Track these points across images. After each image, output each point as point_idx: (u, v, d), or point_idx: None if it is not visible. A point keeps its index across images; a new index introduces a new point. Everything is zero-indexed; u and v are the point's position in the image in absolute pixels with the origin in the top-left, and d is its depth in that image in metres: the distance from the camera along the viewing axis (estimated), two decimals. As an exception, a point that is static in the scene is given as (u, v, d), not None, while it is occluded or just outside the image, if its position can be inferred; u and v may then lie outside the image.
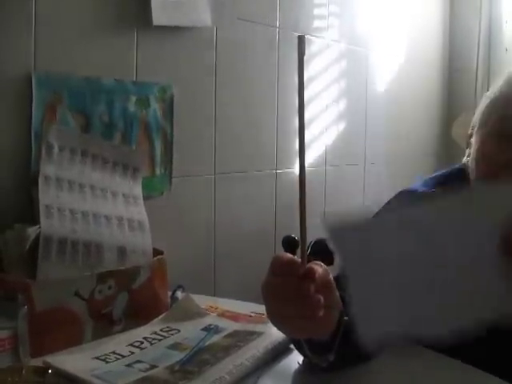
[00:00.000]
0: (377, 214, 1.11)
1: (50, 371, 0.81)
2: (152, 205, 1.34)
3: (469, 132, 1.15)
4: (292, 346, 0.98)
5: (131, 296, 1.11)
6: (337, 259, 0.67)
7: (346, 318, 0.79)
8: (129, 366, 0.91)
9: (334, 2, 2.09)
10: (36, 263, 1.02)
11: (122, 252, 1.14)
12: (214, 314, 1.15)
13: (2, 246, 1.04)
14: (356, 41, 2.23)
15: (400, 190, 1.16)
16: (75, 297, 1.02)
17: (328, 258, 1.46)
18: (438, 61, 2.87)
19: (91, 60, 1.29)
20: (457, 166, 1.19)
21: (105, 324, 1.07)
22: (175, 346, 0.99)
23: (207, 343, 0.99)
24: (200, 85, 1.58)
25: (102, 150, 1.23)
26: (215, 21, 1.54)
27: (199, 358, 0.92)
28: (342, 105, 2.17)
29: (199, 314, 1.14)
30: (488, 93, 1.12)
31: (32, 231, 1.03)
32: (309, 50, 1.93)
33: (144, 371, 0.89)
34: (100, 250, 1.11)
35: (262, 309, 1.14)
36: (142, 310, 1.12)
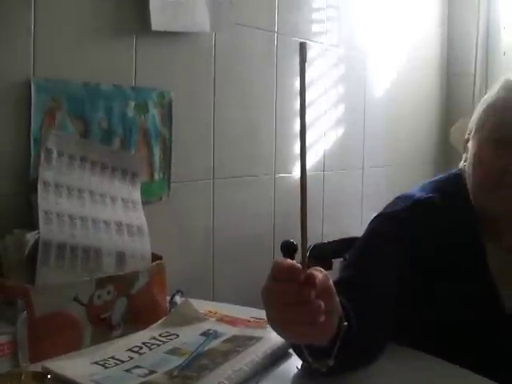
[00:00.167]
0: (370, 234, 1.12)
1: (49, 376, 0.81)
2: (151, 210, 1.34)
3: (465, 137, 1.15)
4: (291, 351, 0.98)
5: (130, 301, 1.11)
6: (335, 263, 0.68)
7: (345, 323, 0.79)
8: (128, 371, 0.91)
9: (332, 7, 2.09)
10: (35, 268, 1.02)
11: (120, 257, 1.14)
12: (213, 319, 1.15)
13: (1, 251, 1.04)
14: (354, 46, 2.23)
15: (397, 195, 1.16)
16: (74, 302, 1.02)
17: (326, 263, 1.47)
18: (436, 65, 2.87)
19: (90, 66, 1.29)
20: (454, 171, 1.19)
21: (104, 329, 1.07)
22: (174, 351, 0.99)
23: (206, 348, 0.99)
24: (198, 90, 1.58)
25: (101, 156, 1.23)
26: (214, 26, 1.55)
27: (198, 364, 0.92)
28: (341, 110, 2.18)
29: (198, 318, 1.14)
30: (485, 97, 1.13)
31: (31, 236, 1.03)
32: (307, 55, 1.93)
33: (143, 376, 0.89)
34: (99, 255, 1.11)
35: (260, 314, 1.14)
36: (140, 314, 1.12)
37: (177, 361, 0.94)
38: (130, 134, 1.36)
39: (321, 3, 2.03)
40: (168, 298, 1.24)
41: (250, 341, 1.01)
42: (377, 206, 1.18)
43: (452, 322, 1.06)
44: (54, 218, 1.08)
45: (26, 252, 1.02)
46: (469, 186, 1.12)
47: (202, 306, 1.21)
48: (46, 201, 1.09)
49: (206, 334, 1.06)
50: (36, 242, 1.03)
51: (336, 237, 1.49)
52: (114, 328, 1.09)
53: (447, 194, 1.13)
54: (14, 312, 0.88)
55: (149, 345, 1.02)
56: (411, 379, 0.92)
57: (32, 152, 1.17)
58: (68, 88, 1.24)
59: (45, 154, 1.13)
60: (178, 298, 1.26)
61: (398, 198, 1.15)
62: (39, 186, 1.10)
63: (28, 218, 1.10)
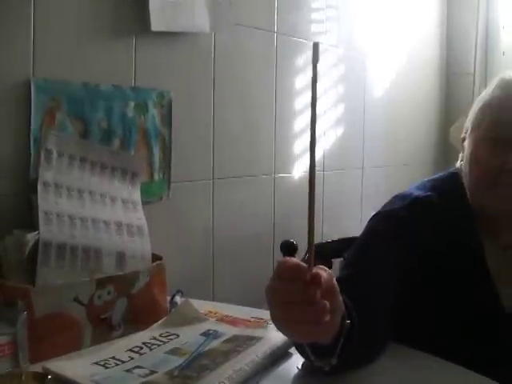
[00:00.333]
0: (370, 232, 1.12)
1: (49, 377, 0.81)
2: (151, 210, 1.34)
3: (462, 136, 1.16)
4: (292, 350, 0.98)
5: (130, 301, 1.11)
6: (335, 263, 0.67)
7: (348, 321, 0.79)
8: (128, 371, 0.91)
9: (332, 7, 2.09)
10: (35, 269, 1.02)
11: (120, 257, 1.14)
12: (213, 319, 1.15)
13: (1, 251, 1.04)
14: (354, 46, 2.23)
15: (395, 193, 1.17)
16: (74, 302, 1.02)
17: (326, 263, 1.47)
18: (435, 65, 2.87)
19: (90, 66, 1.29)
20: (451, 170, 1.20)
21: (104, 329, 1.07)
22: (174, 352, 0.99)
23: (206, 348, 0.99)
24: (198, 90, 1.58)
25: (101, 156, 1.23)
26: (213, 26, 1.55)
27: (198, 364, 0.92)
28: (340, 110, 2.18)
29: (198, 318, 1.14)
30: (481, 96, 1.13)
31: (31, 237, 1.03)
32: (306, 55, 1.93)
33: (143, 377, 0.89)
34: (99, 256, 1.11)
35: (261, 313, 1.15)
36: (141, 315, 1.12)
37: (177, 361, 0.94)
38: (129, 134, 1.36)
39: (320, 3, 2.03)
40: (168, 298, 1.24)
41: (250, 341, 1.01)
42: (376, 206, 1.18)
43: (451, 321, 1.06)
44: (54, 219, 1.08)
45: (26, 252, 1.02)
46: (466, 185, 1.12)
47: (202, 306, 1.21)
48: (45, 201, 1.09)
49: (206, 334, 1.06)
50: (36, 243, 1.03)
51: (336, 237, 1.50)
52: (114, 328, 1.09)
53: (445, 192, 1.13)
54: (14, 312, 0.88)
55: (149, 345, 1.02)
56: (411, 378, 0.92)
57: (32, 152, 1.17)
58: (68, 88, 1.24)
59: (45, 155, 1.13)
60: (178, 298, 1.26)
61: (396, 197, 1.15)
62: (39, 187, 1.10)
63: (28, 218, 1.10)
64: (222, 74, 1.64)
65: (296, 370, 0.94)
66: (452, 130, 2.72)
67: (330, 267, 1.57)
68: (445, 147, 2.83)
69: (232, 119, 1.69)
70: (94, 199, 1.18)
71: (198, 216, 1.61)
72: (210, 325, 1.11)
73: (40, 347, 0.94)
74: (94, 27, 1.30)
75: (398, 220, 1.09)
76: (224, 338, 1.04)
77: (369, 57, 2.33)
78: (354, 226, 1.14)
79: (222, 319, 1.16)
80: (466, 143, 1.13)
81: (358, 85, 2.30)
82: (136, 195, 1.28)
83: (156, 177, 1.45)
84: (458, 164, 1.17)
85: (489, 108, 1.09)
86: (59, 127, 1.22)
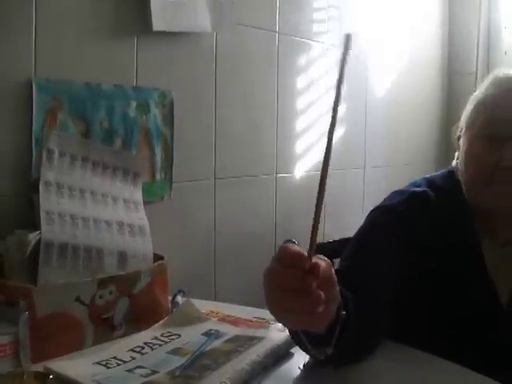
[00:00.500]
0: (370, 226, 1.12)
1: (51, 377, 0.81)
2: (152, 210, 1.34)
3: (457, 134, 1.16)
4: (294, 350, 0.98)
5: (132, 301, 1.11)
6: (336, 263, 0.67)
7: (343, 312, 0.79)
8: (130, 371, 0.91)
9: (334, 7, 2.09)
10: (37, 269, 1.02)
11: (122, 257, 1.14)
12: (215, 319, 1.15)
13: (2, 251, 1.04)
14: (355, 45, 2.22)
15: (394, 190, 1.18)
16: (76, 302, 1.02)
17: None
18: (437, 65, 2.87)
19: (91, 66, 1.29)
20: (448, 168, 1.20)
21: (106, 329, 1.07)
22: (176, 351, 0.99)
23: (208, 348, 0.99)
24: (200, 90, 1.58)
25: (103, 156, 1.23)
26: (215, 26, 1.55)
27: (200, 363, 0.92)
28: (342, 109, 2.17)
29: (200, 318, 1.14)
30: (475, 94, 1.14)
31: (33, 237, 1.03)
32: (308, 55, 1.93)
33: (145, 376, 0.89)
34: (101, 256, 1.11)
35: (263, 314, 1.15)
36: (142, 314, 1.12)
37: (179, 361, 0.94)
38: (131, 133, 1.36)
39: (322, 3, 2.03)
40: (170, 297, 1.24)
41: (251, 341, 1.01)
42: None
43: (449, 318, 1.06)
44: (56, 219, 1.08)
45: (28, 252, 1.02)
46: (462, 183, 1.12)
47: (203, 305, 1.21)
48: (47, 201, 1.09)
49: (207, 333, 1.06)
50: (38, 243, 1.03)
51: (337, 236, 1.50)
52: (115, 328, 1.09)
53: (442, 189, 1.14)
54: (15, 312, 0.88)
55: (151, 345, 1.02)
56: (409, 377, 0.92)
57: (33, 152, 1.17)
58: (69, 88, 1.24)
59: (46, 154, 1.13)
60: (179, 298, 1.26)
61: (395, 192, 1.16)
62: (41, 187, 1.10)
63: (30, 218, 1.10)
64: (224, 74, 1.64)
65: (298, 370, 0.94)
66: (454, 129, 2.71)
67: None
68: (446, 147, 2.82)
69: (234, 119, 1.69)
70: (96, 199, 1.18)
71: (199, 216, 1.61)
72: (211, 325, 1.11)
73: (42, 347, 0.94)
74: (96, 27, 1.30)
75: (397, 214, 1.09)
76: (225, 338, 1.04)
77: (370, 56, 2.33)
78: (356, 226, 1.14)
79: (224, 319, 1.16)
80: (461, 142, 1.13)
81: (360, 84, 2.30)
82: (138, 195, 1.28)
83: (158, 177, 1.45)
84: (453, 163, 1.18)
85: (483, 106, 1.09)
86: (61, 127, 1.22)
